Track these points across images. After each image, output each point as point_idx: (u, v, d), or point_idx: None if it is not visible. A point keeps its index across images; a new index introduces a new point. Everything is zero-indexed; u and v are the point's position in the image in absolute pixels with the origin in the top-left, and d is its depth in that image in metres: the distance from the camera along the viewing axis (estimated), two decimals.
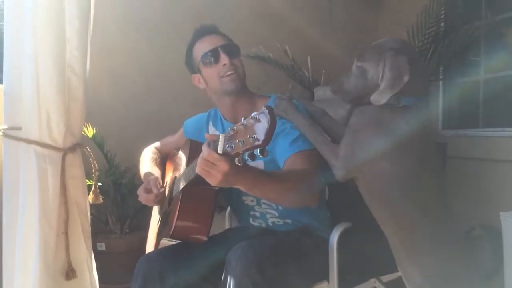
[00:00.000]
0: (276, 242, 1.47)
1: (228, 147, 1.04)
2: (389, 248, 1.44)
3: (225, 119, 1.72)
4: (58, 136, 1.45)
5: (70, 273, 1.49)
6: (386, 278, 1.76)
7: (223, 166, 1.10)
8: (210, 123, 1.79)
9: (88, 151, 1.60)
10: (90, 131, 2.68)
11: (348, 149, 1.37)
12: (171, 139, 1.94)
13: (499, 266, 2.08)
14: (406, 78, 1.28)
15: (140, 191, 1.64)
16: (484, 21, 2.99)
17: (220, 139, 1.07)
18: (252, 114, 0.99)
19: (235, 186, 1.20)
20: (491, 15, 2.97)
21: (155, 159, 1.87)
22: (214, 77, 1.60)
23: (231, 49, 1.61)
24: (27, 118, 1.44)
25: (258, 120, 0.97)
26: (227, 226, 1.98)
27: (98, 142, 2.74)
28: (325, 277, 1.55)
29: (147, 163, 1.84)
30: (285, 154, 1.48)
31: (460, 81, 3.32)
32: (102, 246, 2.72)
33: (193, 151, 1.52)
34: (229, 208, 1.99)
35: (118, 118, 2.98)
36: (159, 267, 1.48)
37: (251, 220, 1.70)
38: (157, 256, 1.54)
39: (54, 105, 1.42)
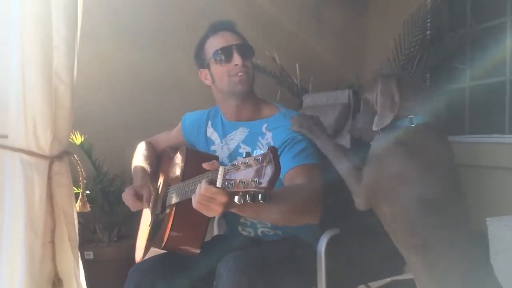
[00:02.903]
0: (266, 253, 1.47)
1: (228, 183, 1.00)
2: (377, 254, 1.45)
3: (226, 119, 1.69)
4: (44, 144, 1.43)
5: (56, 282, 1.46)
6: (375, 284, 1.77)
7: (222, 198, 1.05)
8: (209, 123, 1.76)
9: (76, 159, 1.58)
10: (78, 139, 2.67)
11: (369, 175, 1.34)
12: (169, 136, 1.90)
13: None
14: (396, 98, 1.30)
15: (130, 192, 1.59)
16: (469, 28, 3.03)
17: (219, 172, 1.03)
18: (256, 155, 0.96)
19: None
20: (476, 23, 3.01)
21: (149, 156, 1.81)
22: (223, 76, 1.57)
23: (245, 50, 1.58)
24: (13, 126, 1.42)
25: (261, 163, 0.93)
26: (215, 232, 1.97)
27: (86, 149, 2.72)
28: (313, 283, 1.56)
29: (140, 158, 1.79)
30: (286, 167, 1.45)
31: (446, 88, 3.36)
32: (90, 255, 2.69)
33: (190, 163, 1.50)
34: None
35: (106, 125, 2.97)
36: (151, 278, 1.48)
37: (240, 229, 1.70)
38: (149, 266, 1.52)
39: (41, 113, 1.41)
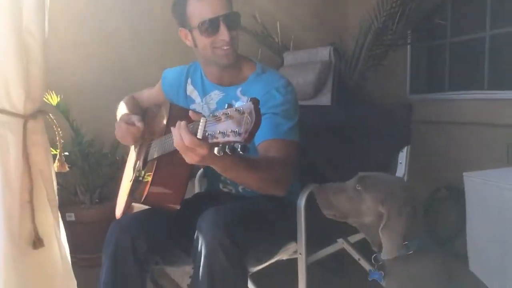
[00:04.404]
0: (245, 207, 1.48)
1: (208, 134, 1.00)
2: None
3: (207, 78, 1.65)
4: (17, 102, 1.40)
5: (37, 242, 1.46)
6: (353, 238, 1.81)
7: (202, 151, 1.06)
8: (189, 81, 1.71)
9: (51, 118, 1.54)
10: (54, 99, 2.61)
11: None
12: (150, 92, 1.85)
13: (463, 225, 2.16)
14: (409, 229, 1.22)
15: (120, 123, 1.55)
16: None
17: (201, 123, 1.02)
18: (237, 106, 0.95)
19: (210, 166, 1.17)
20: None
21: (134, 108, 1.75)
22: (207, 47, 1.50)
23: (233, 20, 1.49)
24: None
25: (242, 113, 0.92)
26: (196, 190, 1.98)
27: (62, 110, 2.67)
28: (293, 238, 1.58)
29: (124, 108, 1.74)
30: (264, 135, 1.43)
31: (427, 44, 3.35)
32: (71, 217, 2.69)
33: (173, 118, 1.46)
34: (198, 172, 1.98)
35: (84, 87, 2.90)
36: (131, 233, 1.46)
37: (221, 186, 1.70)
38: (129, 222, 1.50)
39: (12, 70, 1.36)
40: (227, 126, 0.95)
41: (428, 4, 2.90)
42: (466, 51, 3.08)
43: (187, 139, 1.05)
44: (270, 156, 1.40)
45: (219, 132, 0.96)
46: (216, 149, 0.99)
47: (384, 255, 1.24)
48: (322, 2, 3.70)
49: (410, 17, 2.90)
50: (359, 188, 1.27)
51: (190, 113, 1.10)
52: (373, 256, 1.33)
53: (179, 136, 1.07)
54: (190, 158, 1.10)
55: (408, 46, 3.30)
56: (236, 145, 0.95)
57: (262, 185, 1.35)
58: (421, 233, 1.29)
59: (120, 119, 1.59)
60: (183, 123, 1.08)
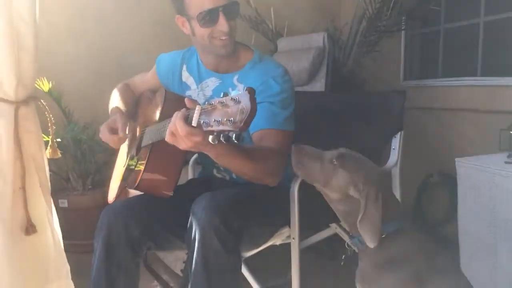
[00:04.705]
0: (239, 192, 1.48)
1: (203, 122, 1.00)
2: None
3: (203, 65, 1.64)
4: (9, 88, 1.38)
5: (29, 228, 1.46)
6: None
7: (195, 138, 1.05)
8: (184, 67, 1.69)
9: (43, 104, 1.53)
10: (46, 85, 2.59)
11: None
12: (145, 77, 1.83)
13: (455, 211, 2.18)
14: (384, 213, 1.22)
15: (104, 129, 1.53)
16: None
17: (196, 111, 1.01)
18: (232, 95, 0.95)
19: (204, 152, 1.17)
20: None
21: (127, 97, 1.74)
22: (205, 36, 1.48)
23: (232, 10, 1.46)
24: None
25: (238, 103, 0.92)
26: (190, 176, 1.98)
27: (54, 96, 2.65)
28: (286, 223, 1.59)
29: (116, 99, 1.72)
30: (260, 125, 1.42)
31: (421, 31, 3.35)
32: (64, 203, 2.68)
33: (168, 105, 1.46)
34: (192, 158, 1.97)
35: (76, 73, 2.89)
36: (124, 218, 1.45)
37: (215, 172, 1.70)
38: (122, 207, 1.50)
39: (3, 56, 1.35)
40: (222, 114, 0.95)
41: None
42: (460, 38, 3.08)
43: (179, 126, 1.05)
44: (265, 147, 1.40)
45: (214, 121, 0.96)
46: (210, 137, 0.99)
47: (369, 244, 1.23)
48: None
49: (404, 3, 2.89)
50: (335, 163, 1.27)
51: (186, 100, 1.10)
52: (345, 243, 1.35)
53: (174, 124, 1.07)
54: (184, 144, 1.10)
55: (402, 32, 3.29)
56: (230, 133, 0.95)
57: (254, 175, 1.36)
58: (401, 216, 1.30)
59: (106, 124, 1.56)
60: (178, 112, 1.08)
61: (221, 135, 0.97)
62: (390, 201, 1.27)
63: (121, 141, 1.55)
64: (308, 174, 1.32)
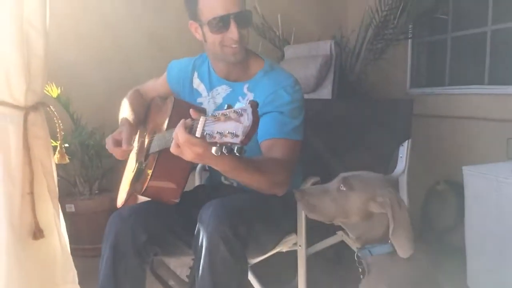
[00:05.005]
0: (246, 199, 1.48)
1: (206, 134, 1.01)
2: None
3: (215, 72, 1.64)
4: (19, 94, 1.40)
5: (37, 233, 1.47)
6: None
7: (198, 149, 1.08)
8: (196, 74, 1.70)
9: (52, 110, 1.54)
10: (54, 91, 2.61)
11: None
12: (155, 83, 1.83)
13: (462, 219, 2.17)
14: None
15: (109, 140, 1.55)
16: None
17: (200, 122, 1.02)
18: (236, 108, 0.95)
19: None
20: None
21: (136, 105, 1.73)
22: (216, 43, 1.49)
23: (244, 19, 1.47)
24: None
25: (240, 115, 0.93)
26: (197, 183, 1.98)
27: (63, 102, 2.67)
28: (293, 230, 1.59)
29: (126, 109, 1.72)
30: (268, 134, 1.44)
31: (428, 39, 3.35)
32: (71, 208, 2.70)
33: (176, 114, 1.46)
34: (199, 165, 1.98)
35: (84, 78, 2.90)
36: (131, 224, 1.46)
37: (222, 179, 1.70)
38: (129, 213, 1.50)
39: (13, 61, 1.36)
40: (225, 126, 0.96)
41: None
42: (467, 46, 3.08)
43: (182, 137, 1.07)
44: (272, 158, 1.40)
45: (217, 132, 0.97)
46: (214, 149, 1.00)
47: (402, 255, 1.19)
48: None
49: (411, 11, 2.89)
50: (343, 188, 1.24)
51: (191, 111, 1.11)
52: (355, 254, 1.31)
53: (177, 134, 1.09)
54: (188, 155, 1.12)
55: (409, 41, 3.29)
56: (233, 146, 0.96)
57: (261, 186, 1.37)
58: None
59: (112, 135, 1.56)
60: (181, 122, 1.10)
61: (224, 147, 0.98)
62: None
63: (125, 153, 1.56)
64: (323, 213, 1.28)
